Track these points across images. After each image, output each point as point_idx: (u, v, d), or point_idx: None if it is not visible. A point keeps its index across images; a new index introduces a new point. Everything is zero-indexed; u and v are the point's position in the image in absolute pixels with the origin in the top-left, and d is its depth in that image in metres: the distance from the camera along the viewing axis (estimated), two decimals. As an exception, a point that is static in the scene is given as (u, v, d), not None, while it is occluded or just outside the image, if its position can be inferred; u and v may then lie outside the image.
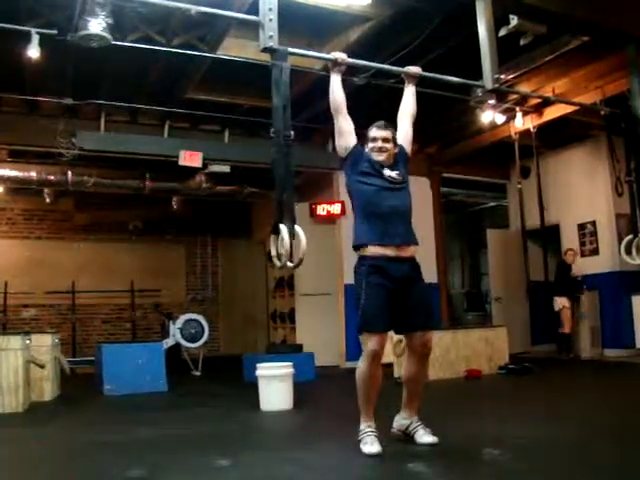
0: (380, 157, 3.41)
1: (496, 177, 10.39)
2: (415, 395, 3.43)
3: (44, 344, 5.85)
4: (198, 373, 7.92)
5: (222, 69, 6.20)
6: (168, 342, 7.90)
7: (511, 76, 6.45)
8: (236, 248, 11.52)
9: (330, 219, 8.68)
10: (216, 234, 11.52)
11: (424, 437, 3.32)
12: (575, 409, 4.54)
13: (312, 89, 6.29)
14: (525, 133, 8.08)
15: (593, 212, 8.73)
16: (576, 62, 6.44)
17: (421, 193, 8.47)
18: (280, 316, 9.62)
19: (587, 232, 8.84)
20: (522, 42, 5.01)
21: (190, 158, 7.56)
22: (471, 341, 6.83)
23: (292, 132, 3.43)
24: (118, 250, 10.40)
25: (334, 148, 3.59)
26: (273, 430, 4.37)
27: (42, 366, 5.53)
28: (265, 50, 3.64)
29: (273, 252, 3.31)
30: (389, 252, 3.26)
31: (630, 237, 5.36)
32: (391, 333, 3.55)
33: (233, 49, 5.78)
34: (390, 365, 6.10)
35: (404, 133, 3.60)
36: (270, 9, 3.65)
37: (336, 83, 3.48)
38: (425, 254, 5.36)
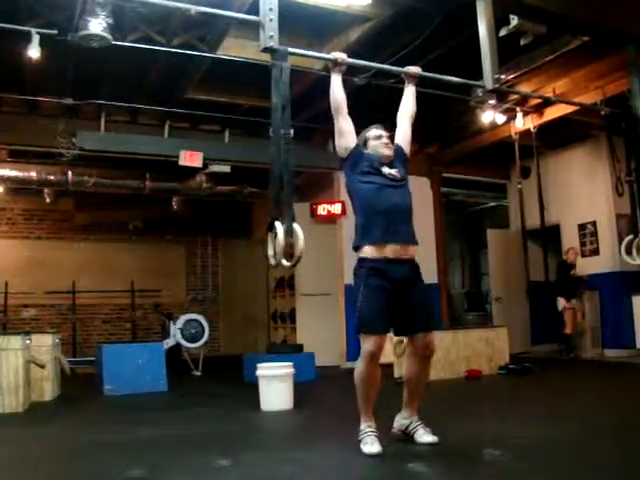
0: (388, 151, 3.42)
1: (496, 177, 10.40)
2: (416, 395, 3.42)
3: (44, 344, 5.85)
4: (198, 373, 7.92)
5: (222, 69, 6.20)
6: (168, 342, 7.90)
7: (511, 76, 6.45)
8: (236, 248, 11.51)
9: (331, 219, 8.69)
10: (216, 234, 11.51)
11: (424, 436, 3.31)
12: (575, 409, 4.53)
13: (312, 89, 6.29)
14: (525, 133, 8.07)
15: (593, 212, 8.73)
16: (576, 62, 6.44)
17: (421, 193, 8.46)
18: (280, 316, 9.61)
19: (587, 232, 8.83)
20: (522, 42, 5.01)
21: (190, 158, 7.56)
22: (471, 341, 6.82)
23: (292, 131, 3.43)
24: (118, 250, 10.39)
25: (334, 148, 3.58)
26: (273, 430, 4.37)
27: (42, 366, 5.53)
28: (265, 50, 3.65)
29: (269, 251, 3.29)
30: (389, 254, 3.24)
31: (630, 237, 5.37)
32: (391, 334, 3.54)
33: (233, 49, 5.78)
34: (390, 365, 6.10)
35: (403, 133, 3.61)
36: (270, 9, 3.66)
37: (336, 83, 3.48)
38: (425, 254, 5.37)
